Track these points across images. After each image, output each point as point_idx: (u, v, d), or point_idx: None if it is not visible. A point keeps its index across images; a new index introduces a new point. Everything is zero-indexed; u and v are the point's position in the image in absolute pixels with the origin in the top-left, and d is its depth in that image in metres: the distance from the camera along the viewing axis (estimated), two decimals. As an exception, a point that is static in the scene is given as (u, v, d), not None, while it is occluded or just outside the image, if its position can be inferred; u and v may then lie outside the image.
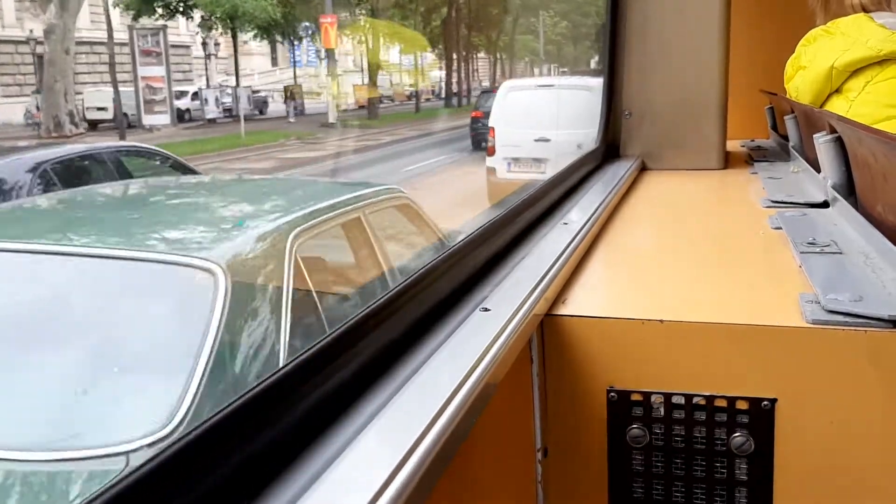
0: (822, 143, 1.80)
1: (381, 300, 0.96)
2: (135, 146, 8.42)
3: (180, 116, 30.14)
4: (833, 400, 1.14)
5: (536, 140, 11.55)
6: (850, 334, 1.11)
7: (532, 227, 1.61)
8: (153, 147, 7.98)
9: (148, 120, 26.68)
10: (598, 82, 10.99)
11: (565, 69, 56.78)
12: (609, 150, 2.69)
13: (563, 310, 1.24)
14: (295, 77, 41.32)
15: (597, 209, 1.80)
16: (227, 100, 33.05)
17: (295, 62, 43.97)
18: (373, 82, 37.49)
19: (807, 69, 2.28)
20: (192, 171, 7.89)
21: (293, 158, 20.71)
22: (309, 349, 0.81)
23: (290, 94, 35.26)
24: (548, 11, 52.96)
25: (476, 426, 0.88)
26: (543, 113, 11.62)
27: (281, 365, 0.77)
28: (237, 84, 34.90)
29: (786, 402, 1.15)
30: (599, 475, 1.24)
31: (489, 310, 1.08)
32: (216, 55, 36.83)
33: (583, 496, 1.26)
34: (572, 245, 1.46)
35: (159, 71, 26.94)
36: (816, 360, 1.13)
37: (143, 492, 0.59)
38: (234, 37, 35.54)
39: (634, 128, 2.71)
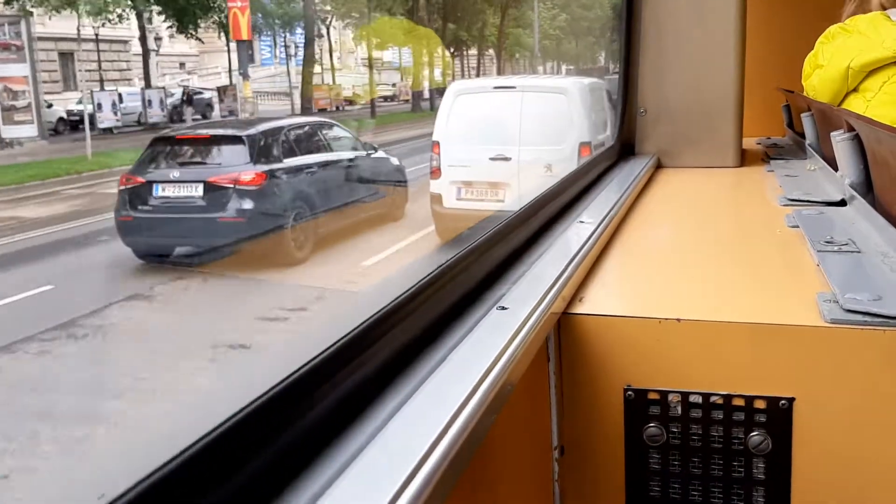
0: (839, 142, 1.79)
1: (398, 300, 0.96)
2: (320, 121, 13.32)
3: (93, 124, 23.31)
4: (851, 399, 1.13)
5: (493, 158, 9.16)
6: (869, 334, 1.11)
7: (548, 225, 1.61)
8: (330, 120, 13.17)
9: (9, 132, 20.58)
10: (573, 83, 9.93)
11: (571, 67, 51.82)
12: (624, 147, 2.69)
13: (580, 308, 1.24)
14: (230, 75, 34.45)
15: (612, 207, 1.79)
16: (136, 103, 26.60)
17: (230, 58, 36.15)
18: (307, 81, 31.32)
19: (824, 68, 2.27)
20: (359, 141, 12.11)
21: (105, 194, 13.07)
22: (324, 351, 0.80)
23: (188, 97, 28.71)
24: (544, 3, 45.64)
25: (493, 425, 0.88)
26: (502, 123, 9.34)
27: (296, 367, 0.77)
28: (147, 85, 28.85)
29: (804, 401, 1.15)
30: (616, 474, 1.24)
31: (506, 308, 1.08)
32: (157, 51, 32.65)
33: (599, 495, 1.26)
34: (588, 243, 1.45)
35: (21, 70, 20.64)
36: (835, 360, 1.13)
37: (162, 494, 0.58)
38: (143, 27, 29.73)
39: (650, 125, 2.70)
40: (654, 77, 2.67)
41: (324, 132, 11.47)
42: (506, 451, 1.08)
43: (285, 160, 9.97)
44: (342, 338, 0.84)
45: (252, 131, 10.23)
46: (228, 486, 0.64)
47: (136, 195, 9.43)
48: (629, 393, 1.21)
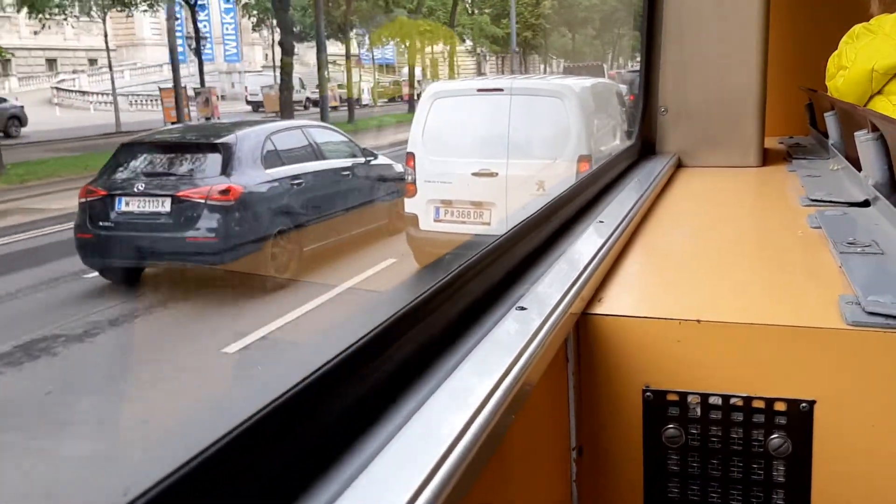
0: (863, 142, 1.77)
1: (418, 300, 0.96)
2: (312, 124, 11.90)
3: None
4: (873, 402, 1.12)
5: (476, 174, 7.80)
6: (892, 337, 1.10)
7: (568, 226, 1.61)
8: (327, 124, 12.75)
9: None
10: (571, 85, 8.42)
11: (570, 62, 39.65)
12: (645, 146, 2.67)
13: (600, 309, 1.24)
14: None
15: (633, 207, 1.79)
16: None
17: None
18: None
19: (848, 70, 2.25)
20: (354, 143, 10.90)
21: None
22: (345, 350, 0.80)
23: None
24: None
25: (512, 425, 0.88)
26: (488, 133, 8.00)
27: (316, 367, 0.77)
28: None
29: (825, 404, 1.14)
30: (634, 475, 1.24)
31: (525, 308, 1.08)
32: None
33: (617, 496, 1.26)
34: (608, 244, 1.45)
35: None
36: (856, 363, 1.12)
37: (181, 494, 0.59)
38: None
39: (671, 124, 2.68)
40: (675, 76, 2.65)
41: (315, 138, 10.07)
42: (524, 451, 1.08)
43: (268, 170, 8.65)
44: (362, 337, 0.84)
45: (229, 138, 8.77)
46: (247, 486, 0.65)
47: (96, 209, 8.03)
48: (648, 394, 1.21)
